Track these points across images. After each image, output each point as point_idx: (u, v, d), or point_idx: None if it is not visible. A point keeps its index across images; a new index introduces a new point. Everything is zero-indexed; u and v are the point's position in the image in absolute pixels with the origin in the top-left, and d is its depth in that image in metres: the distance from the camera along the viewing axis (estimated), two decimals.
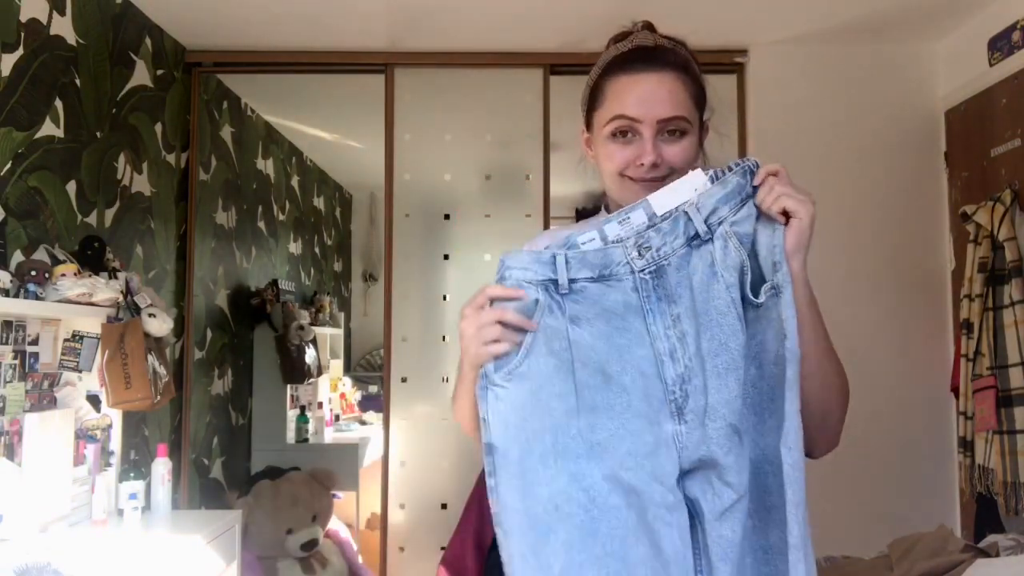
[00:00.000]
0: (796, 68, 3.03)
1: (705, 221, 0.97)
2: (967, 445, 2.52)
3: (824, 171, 3.00)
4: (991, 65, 2.66)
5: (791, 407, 0.92)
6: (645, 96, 1.11)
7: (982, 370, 2.44)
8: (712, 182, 0.98)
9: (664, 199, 0.99)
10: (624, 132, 1.12)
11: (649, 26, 1.18)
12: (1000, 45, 2.62)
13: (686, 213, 0.98)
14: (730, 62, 3.07)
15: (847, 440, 3.26)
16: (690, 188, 0.98)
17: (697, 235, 0.98)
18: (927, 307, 2.98)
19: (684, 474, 0.97)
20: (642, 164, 1.10)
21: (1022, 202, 2.43)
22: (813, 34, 2.94)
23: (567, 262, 0.99)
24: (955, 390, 2.64)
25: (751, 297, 0.95)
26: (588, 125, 1.21)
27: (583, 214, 5.58)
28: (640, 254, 0.99)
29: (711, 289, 0.96)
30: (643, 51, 1.14)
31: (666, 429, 0.96)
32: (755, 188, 0.99)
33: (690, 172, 1.00)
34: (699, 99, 1.15)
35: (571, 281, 0.99)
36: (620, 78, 1.13)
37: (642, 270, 0.99)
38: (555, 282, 0.99)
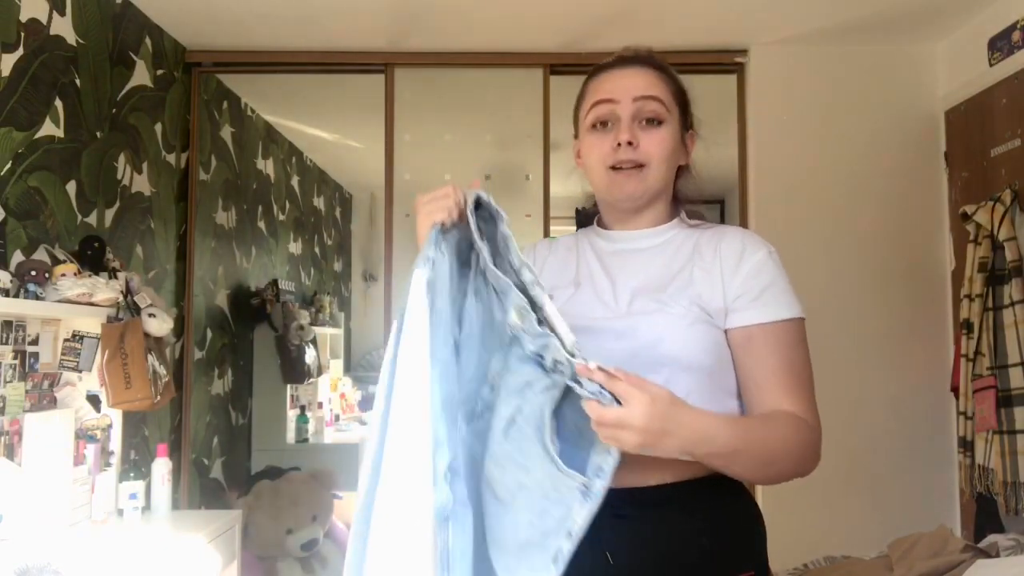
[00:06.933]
0: (796, 68, 3.03)
1: (555, 361, 0.99)
2: (967, 445, 2.52)
3: (824, 171, 3.00)
4: (991, 65, 2.66)
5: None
6: (620, 82, 1.17)
7: (982, 370, 2.44)
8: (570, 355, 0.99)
9: (553, 311, 1.01)
10: (604, 123, 1.17)
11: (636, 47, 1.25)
12: (1000, 45, 2.62)
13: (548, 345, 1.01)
14: (730, 62, 3.07)
15: (848, 440, 3.24)
16: (562, 334, 0.99)
17: (542, 361, 1.00)
18: (927, 307, 2.98)
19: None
20: (619, 144, 1.14)
21: (1022, 202, 2.43)
22: (813, 34, 2.94)
23: (494, 247, 1.07)
24: (955, 390, 2.64)
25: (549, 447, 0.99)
26: (577, 131, 1.25)
27: (583, 214, 5.58)
28: (519, 315, 1.02)
29: (509, 397, 1.02)
30: (621, 59, 1.21)
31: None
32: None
33: (571, 333, 0.99)
34: (679, 97, 1.19)
35: (485, 265, 1.05)
36: (597, 76, 1.21)
37: (510, 326, 1.04)
38: (480, 249, 1.06)
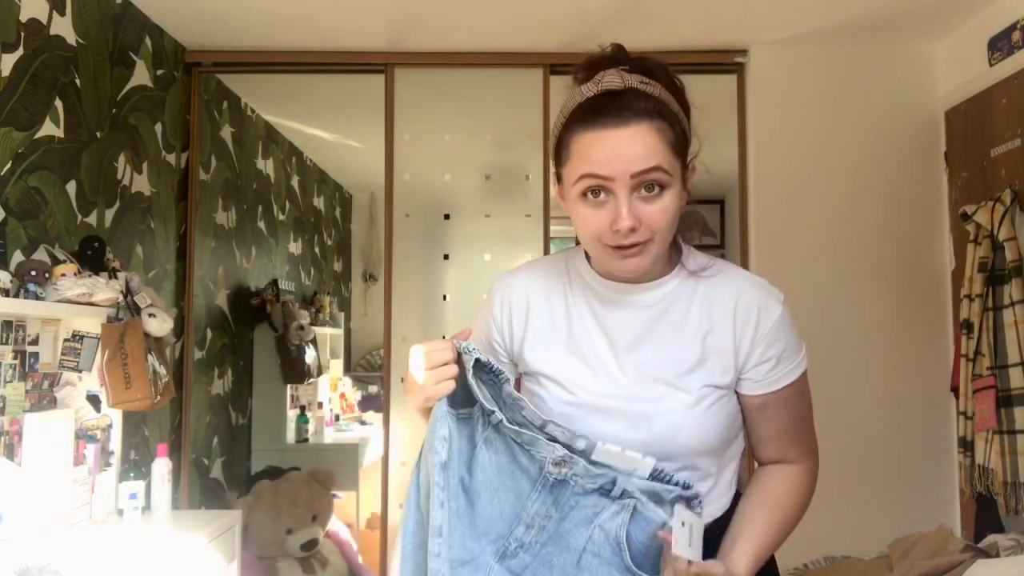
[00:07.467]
0: (796, 68, 3.03)
1: (623, 490, 1.02)
2: (967, 445, 2.52)
3: (824, 171, 3.00)
4: (991, 65, 2.66)
5: None
6: (614, 151, 0.99)
7: (982, 370, 2.44)
8: (651, 478, 1.02)
9: (608, 452, 1.02)
10: (596, 191, 1.01)
11: (619, 51, 1.07)
12: (1000, 45, 2.62)
13: (615, 479, 1.02)
14: (730, 62, 3.07)
15: (848, 440, 3.25)
16: (632, 465, 1.02)
17: (608, 491, 1.02)
18: (927, 307, 2.98)
19: None
20: (618, 230, 1.00)
21: (1022, 202, 2.43)
22: (813, 34, 2.94)
23: (504, 407, 1.06)
24: (955, 390, 2.64)
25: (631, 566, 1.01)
26: (558, 177, 1.09)
27: None
28: (558, 465, 1.03)
29: (577, 528, 1.03)
30: (609, 98, 1.01)
31: (485, 554, 1.04)
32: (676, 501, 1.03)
33: (645, 458, 1.01)
34: (679, 144, 1.03)
35: (499, 423, 1.04)
36: (585, 134, 1.01)
37: (550, 473, 1.04)
38: (490, 412, 1.04)
